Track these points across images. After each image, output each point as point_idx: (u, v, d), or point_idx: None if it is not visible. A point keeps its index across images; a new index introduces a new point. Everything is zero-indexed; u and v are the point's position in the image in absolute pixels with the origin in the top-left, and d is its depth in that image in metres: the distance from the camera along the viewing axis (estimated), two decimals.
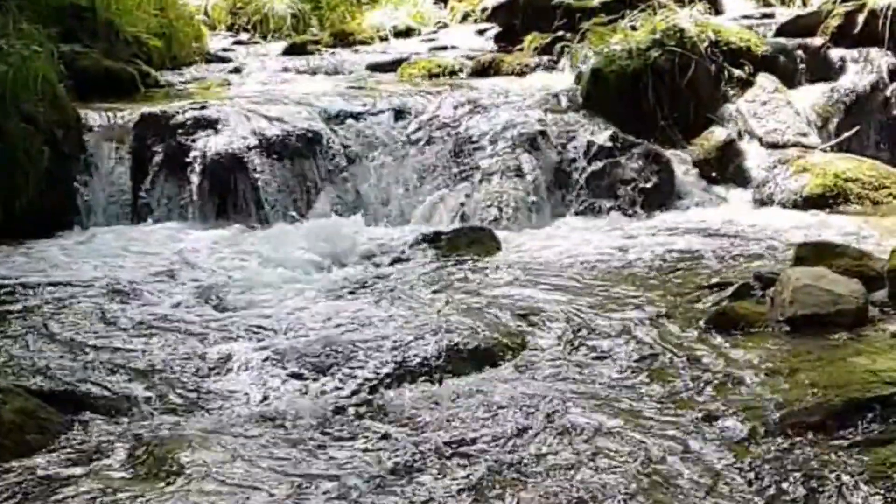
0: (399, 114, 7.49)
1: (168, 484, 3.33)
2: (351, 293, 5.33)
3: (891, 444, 3.44)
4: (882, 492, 3.19)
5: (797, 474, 3.32)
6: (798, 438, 3.54)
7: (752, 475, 3.33)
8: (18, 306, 5.13)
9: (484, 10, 11.42)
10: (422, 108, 7.54)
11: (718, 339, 4.51)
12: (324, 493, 3.30)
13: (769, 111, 7.80)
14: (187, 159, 7.00)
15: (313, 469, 3.46)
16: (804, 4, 9.84)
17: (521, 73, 9.03)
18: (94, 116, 7.24)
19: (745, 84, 7.99)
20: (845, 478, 3.27)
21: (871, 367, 4.08)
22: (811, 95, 8.09)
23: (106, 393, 4.06)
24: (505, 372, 4.24)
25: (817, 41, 8.43)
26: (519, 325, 4.72)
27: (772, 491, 3.23)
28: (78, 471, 3.44)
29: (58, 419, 3.78)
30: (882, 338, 4.40)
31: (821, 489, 3.22)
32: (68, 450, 3.60)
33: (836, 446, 3.47)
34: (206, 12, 13.57)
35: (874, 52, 8.21)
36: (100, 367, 4.32)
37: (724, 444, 3.53)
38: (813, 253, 5.17)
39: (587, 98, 7.75)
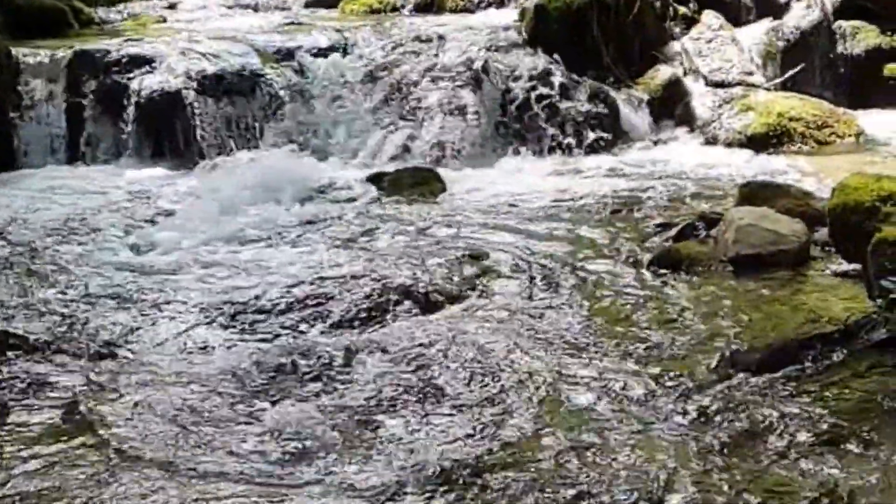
0: (341, 51, 7.33)
1: (92, 432, 3.31)
2: (287, 235, 5.23)
3: (830, 380, 3.46)
4: (819, 425, 3.20)
5: (739, 410, 3.32)
6: (740, 376, 3.54)
7: (694, 413, 3.32)
8: None
9: None
10: (364, 46, 7.38)
11: (663, 279, 4.51)
12: (252, 440, 3.26)
13: (714, 49, 7.75)
14: (122, 98, 6.82)
15: (243, 415, 3.43)
16: None
17: (466, 10, 8.88)
18: (26, 54, 7.01)
19: (691, 21, 7.93)
20: (787, 412, 3.28)
21: (812, 306, 4.11)
22: (756, 33, 8.05)
23: (34, 336, 3.98)
24: (447, 315, 4.18)
25: None
26: (463, 267, 4.67)
27: (714, 427, 3.22)
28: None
29: None
30: (822, 276, 4.44)
31: (762, 424, 3.22)
32: None
33: (778, 383, 3.47)
34: None
35: None
36: (30, 310, 4.25)
37: (667, 383, 3.52)
38: (756, 193, 5.18)
39: (531, 35, 7.63)
